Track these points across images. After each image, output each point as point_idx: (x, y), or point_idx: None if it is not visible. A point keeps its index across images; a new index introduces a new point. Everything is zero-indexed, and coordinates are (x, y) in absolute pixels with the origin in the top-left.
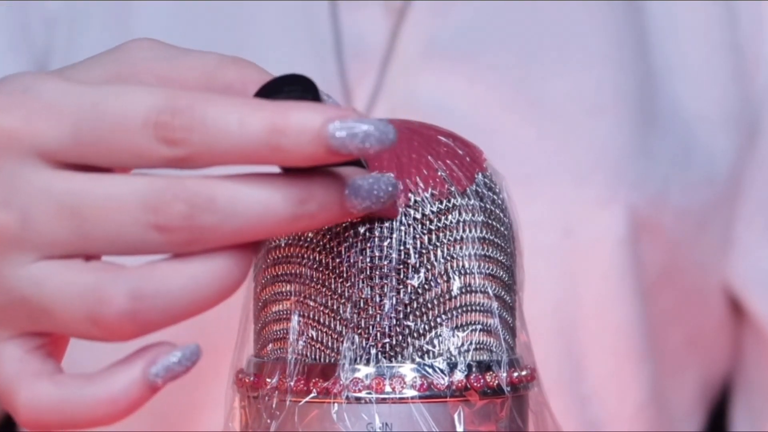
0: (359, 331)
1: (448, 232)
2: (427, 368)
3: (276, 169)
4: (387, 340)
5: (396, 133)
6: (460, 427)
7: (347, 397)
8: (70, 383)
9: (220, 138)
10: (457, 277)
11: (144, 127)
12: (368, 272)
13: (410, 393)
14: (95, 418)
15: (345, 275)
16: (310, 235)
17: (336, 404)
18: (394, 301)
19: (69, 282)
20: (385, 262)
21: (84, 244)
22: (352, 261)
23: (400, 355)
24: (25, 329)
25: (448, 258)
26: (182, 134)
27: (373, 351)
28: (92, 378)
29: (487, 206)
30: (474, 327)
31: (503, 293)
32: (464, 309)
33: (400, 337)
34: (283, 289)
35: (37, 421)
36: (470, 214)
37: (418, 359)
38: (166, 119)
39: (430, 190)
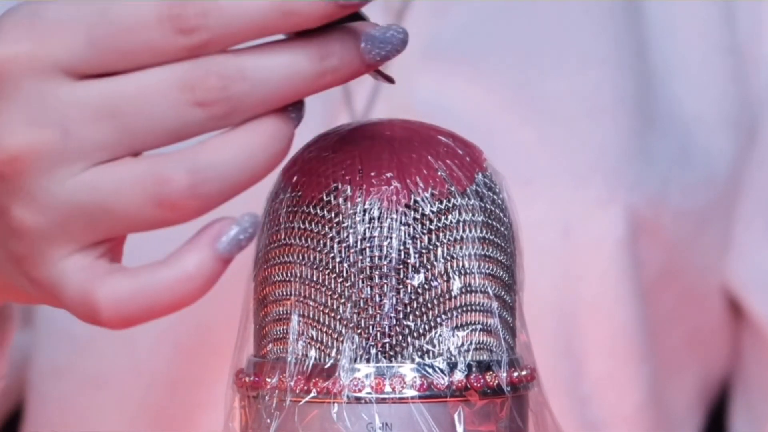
0: (359, 330)
1: (448, 232)
2: (427, 368)
3: None
4: (387, 339)
5: None
6: (460, 427)
7: (347, 397)
8: (144, 271)
9: (235, 15)
10: (457, 277)
11: (158, 22)
12: (368, 272)
13: (410, 393)
14: (175, 300)
15: (345, 275)
16: (310, 235)
17: (336, 404)
18: (394, 301)
19: (124, 175)
20: (385, 262)
21: (129, 140)
22: (352, 261)
23: (400, 355)
24: (87, 241)
25: (448, 258)
26: (197, 21)
27: (373, 351)
28: (165, 262)
29: (487, 206)
30: (474, 327)
31: (503, 293)
32: (464, 309)
33: (400, 337)
34: (283, 289)
35: (120, 315)
36: (470, 214)
37: (418, 359)
38: (178, 10)
39: (430, 190)
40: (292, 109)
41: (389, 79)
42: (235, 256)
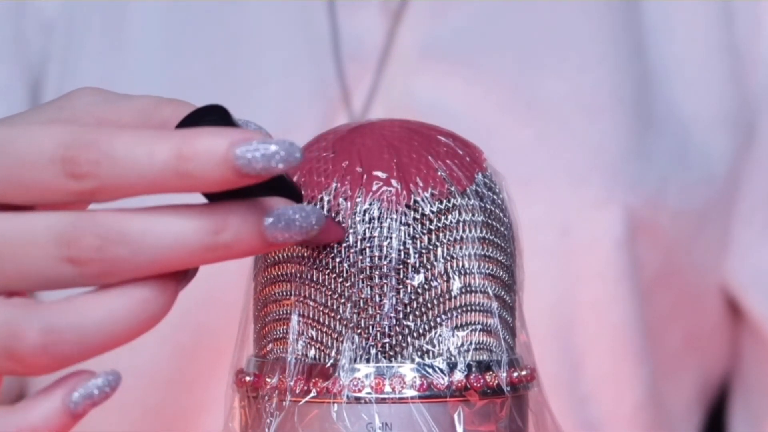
0: (359, 330)
1: (448, 232)
2: (427, 368)
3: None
4: (387, 339)
5: (302, 152)
6: (460, 427)
7: (347, 397)
8: None
9: (128, 169)
10: (457, 277)
11: (51, 163)
12: (368, 272)
13: (410, 393)
14: None
15: (345, 275)
16: None
17: (336, 404)
18: (393, 301)
19: None
20: (385, 262)
21: (0, 281)
22: (352, 261)
23: (399, 355)
24: None
25: (448, 258)
26: (89, 168)
27: (373, 351)
28: (14, 408)
29: (487, 206)
30: (474, 327)
31: (503, 293)
32: (464, 309)
33: (400, 337)
34: (283, 289)
35: None
36: (470, 214)
37: (418, 359)
38: (72, 154)
39: (430, 190)
40: (178, 274)
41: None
42: (87, 413)
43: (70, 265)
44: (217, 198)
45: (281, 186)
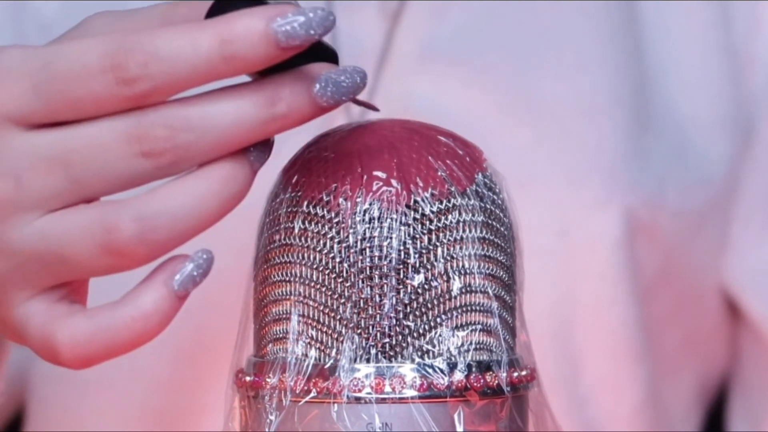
0: (359, 330)
1: (448, 232)
2: (427, 368)
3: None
4: (387, 339)
5: (334, 16)
6: (460, 427)
7: (347, 397)
8: (102, 311)
9: (176, 64)
10: (457, 277)
11: (102, 73)
12: (368, 272)
13: (410, 393)
14: (133, 338)
15: (345, 275)
16: (310, 235)
17: (336, 404)
18: (393, 301)
19: (74, 223)
20: (385, 262)
21: (80, 189)
22: (352, 261)
23: (400, 355)
24: (45, 285)
25: (448, 258)
26: (138, 70)
27: (373, 351)
28: (122, 301)
29: (487, 206)
30: (474, 327)
31: (503, 293)
32: (464, 309)
33: (400, 337)
34: (283, 289)
35: (80, 355)
36: (470, 214)
37: (418, 359)
38: (119, 60)
39: (430, 190)
40: (253, 150)
41: (371, 107)
42: (191, 292)
43: (144, 159)
44: (264, 75)
45: (320, 52)
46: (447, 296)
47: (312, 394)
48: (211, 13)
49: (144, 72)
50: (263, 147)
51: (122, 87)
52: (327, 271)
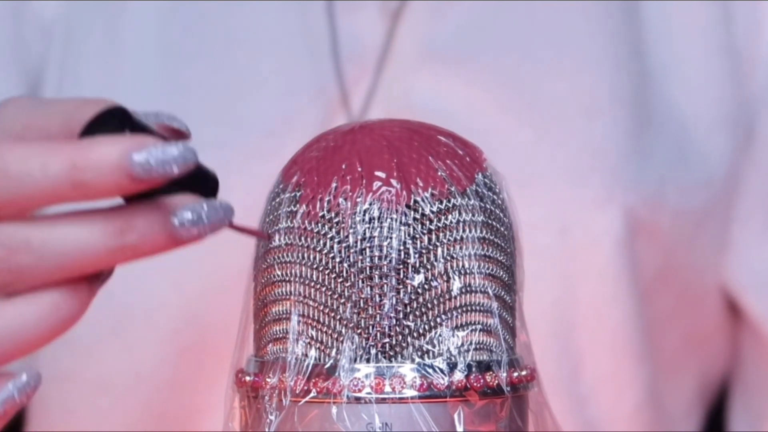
0: (359, 330)
1: (448, 232)
2: (427, 368)
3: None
4: (387, 339)
5: (196, 154)
6: (460, 427)
7: (347, 397)
8: None
9: (23, 183)
10: (457, 277)
11: None
12: (368, 272)
13: (410, 393)
14: None
15: (345, 275)
16: (310, 234)
17: (336, 404)
18: (393, 301)
19: None
20: (385, 262)
21: None
22: (352, 261)
23: (400, 355)
24: None
25: (448, 258)
26: None
27: (373, 351)
28: None
29: (487, 206)
30: (474, 327)
31: (503, 293)
32: (464, 309)
33: (400, 337)
34: (283, 289)
35: None
36: (470, 214)
37: (418, 359)
38: None
39: (430, 190)
40: (91, 278)
41: (258, 234)
42: (10, 413)
43: None
44: (132, 200)
45: (198, 180)
46: (447, 296)
47: (312, 394)
48: (85, 131)
49: None
50: (106, 272)
51: None
52: (327, 271)
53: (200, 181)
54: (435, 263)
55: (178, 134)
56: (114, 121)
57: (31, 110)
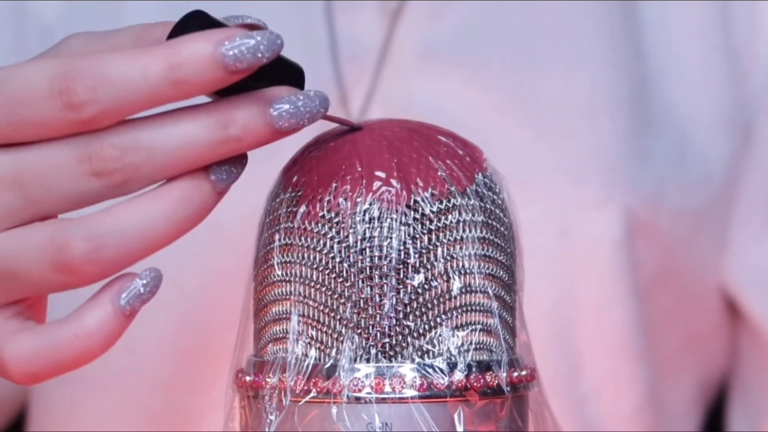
0: (359, 330)
1: (448, 232)
2: (427, 368)
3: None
4: (387, 339)
5: (282, 39)
6: (460, 427)
7: (347, 397)
8: (48, 328)
9: (124, 88)
10: (457, 277)
11: (50, 98)
12: (368, 272)
13: (410, 393)
14: (77, 356)
15: (345, 275)
16: (310, 234)
17: (336, 404)
18: (393, 301)
19: (27, 241)
20: (385, 262)
21: (33, 208)
22: (352, 261)
23: (400, 355)
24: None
25: (448, 258)
26: (86, 95)
27: (373, 351)
28: (67, 319)
29: (487, 206)
30: (474, 327)
31: (503, 293)
32: (464, 309)
33: (400, 337)
34: (283, 289)
35: (26, 372)
36: (470, 214)
37: (418, 359)
38: (67, 84)
39: (430, 190)
40: (217, 171)
41: (348, 123)
42: (138, 310)
43: (95, 178)
44: (222, 96)
45: (285, 71)
46: (447, 296)
47: (312, 394)
48: (173, 34)
49: (92, 96)
50: (231, 167)
51: (70, 111)
52: (327, 271)
53: (286, 74)
54: (435, 263)
55: (257, 29)
56: (196, 23)
57: (98, 38)
